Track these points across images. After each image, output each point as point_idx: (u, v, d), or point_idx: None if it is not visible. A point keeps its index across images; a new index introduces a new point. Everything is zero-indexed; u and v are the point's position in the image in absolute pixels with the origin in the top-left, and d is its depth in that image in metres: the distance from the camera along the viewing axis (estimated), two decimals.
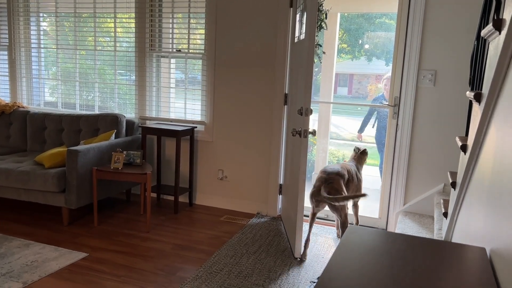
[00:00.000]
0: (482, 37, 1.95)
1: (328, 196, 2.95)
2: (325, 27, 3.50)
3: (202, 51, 4.12)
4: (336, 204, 2.98)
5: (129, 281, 2.73)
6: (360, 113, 5.83)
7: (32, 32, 4.76)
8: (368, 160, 3.59)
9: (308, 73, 2.90)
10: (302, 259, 3.10)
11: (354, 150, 3.62)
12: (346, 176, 3.17)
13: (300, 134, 2.97)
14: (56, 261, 2.94)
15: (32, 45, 4.78)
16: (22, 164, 3.71)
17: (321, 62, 3.60)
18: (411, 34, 3.38)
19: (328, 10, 3.58)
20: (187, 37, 4.18)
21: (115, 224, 3.68)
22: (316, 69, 9.46)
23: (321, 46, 3.57)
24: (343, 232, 3.01)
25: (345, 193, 3.03)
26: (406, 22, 3.41)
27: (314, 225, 3.79)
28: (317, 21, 3.28)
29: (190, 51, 4.19)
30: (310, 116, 2.98)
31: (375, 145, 5.87)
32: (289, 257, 3.15)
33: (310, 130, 3.08)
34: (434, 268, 1.24)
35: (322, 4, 3.49)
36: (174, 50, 4.26)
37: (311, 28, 2.83)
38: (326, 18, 3.47)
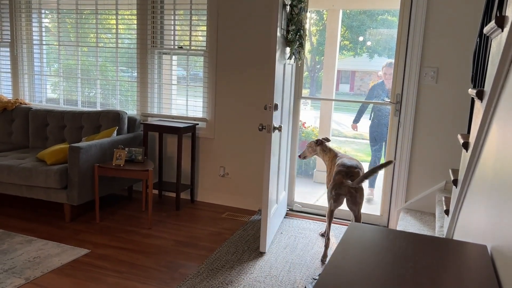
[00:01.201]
0: (484, 34, 1.94)
1: (353, 181, 2.88)
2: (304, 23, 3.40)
3: (204, 48, 4.11)
4: (358, 195, 2.94)
5: (131, 277, 2.74)
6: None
7: (34, 29, 4.76)
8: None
9: (270, 67, 2.94)
10: (322, 260, 3.05)
11: (323, 143, 3.37)
12: (362, 169, 3.12)
13: (266, 129, 2.99)
14: (58, 257, 2.95)
15: (34, 42, 4.79)
16: (24, 161, 3.72)
17: (299, 59, 3.50)
18: (413, 31, 3.37)
19: (305, 5, 3.44)
20: (188, 34, 4.18)
21: (117, 220, 3.69)
22: (318, 66, 9.44)
23: (300, 42, 3.43)
24: None
25: (362, 187, 3.01)
26: (409, 19, 3.40)
27: (317, 223, 3.79)
28: (293, 17, 3.22)
29: (192, 48, 4.18)
30: (275, 111, 2.98)
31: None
32: (291, 254, 3.16)
33: (276, 125, 3.05)
34: (435, 266, 1.24)
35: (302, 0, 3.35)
36: (176, 47, 4.25)
37: (273, 22, 2.89)
38: (301, 12, 3.33)
